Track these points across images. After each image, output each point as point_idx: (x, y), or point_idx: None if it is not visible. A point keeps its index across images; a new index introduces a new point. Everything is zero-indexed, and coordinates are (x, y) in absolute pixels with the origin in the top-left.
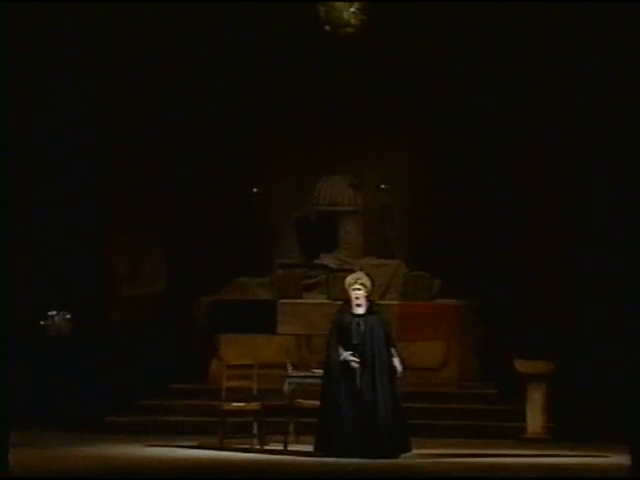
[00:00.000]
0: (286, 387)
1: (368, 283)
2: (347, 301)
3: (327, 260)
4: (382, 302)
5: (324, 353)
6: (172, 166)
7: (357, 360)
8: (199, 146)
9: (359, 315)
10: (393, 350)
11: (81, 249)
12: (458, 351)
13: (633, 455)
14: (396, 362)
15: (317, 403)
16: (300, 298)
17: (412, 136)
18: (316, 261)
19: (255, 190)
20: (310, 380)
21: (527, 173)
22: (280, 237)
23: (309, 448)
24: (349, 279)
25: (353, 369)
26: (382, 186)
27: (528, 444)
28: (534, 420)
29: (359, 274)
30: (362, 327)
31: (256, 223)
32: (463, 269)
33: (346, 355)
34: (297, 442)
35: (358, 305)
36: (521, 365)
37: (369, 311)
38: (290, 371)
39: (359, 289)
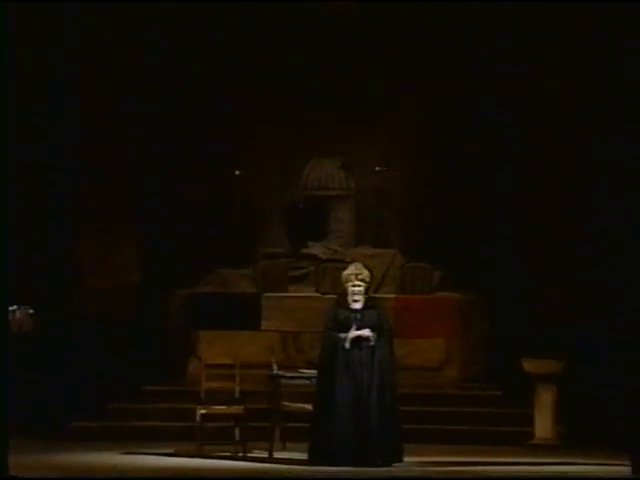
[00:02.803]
0: (271, 388)
1: (368, 278)
2: (342, 294)
3: (316, 250)
4: (377, 296)
5: (317, 352)
6: (146, 148)
7: (368, 332)
8: (175, 125)
9: (356, 310)
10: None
11: (45, 237)
12: (460, 349)
13: (633, 457)
14: (372, 334)
15: (305, 406)
16: (286, 291)
17: (410, 114)
18: (304, 251)
19: (237, 173)
20: (298, 381)
21: (535, 154)
22: (265, 224)
23: (296, 455)
24: (347, 273)
25: (352, 368)
26: (377, 168)
27: (536, 451)
28: (543, 424)
29: (358, 267)
30: (357, 324)
31: (238, 209)
32: (466, 259)
33: (352, 333)
34: (283, 449)
35: (356, 301)
36: (529, 364)
37: (366, 306)
38: (275, 371)
39: (359, 285)
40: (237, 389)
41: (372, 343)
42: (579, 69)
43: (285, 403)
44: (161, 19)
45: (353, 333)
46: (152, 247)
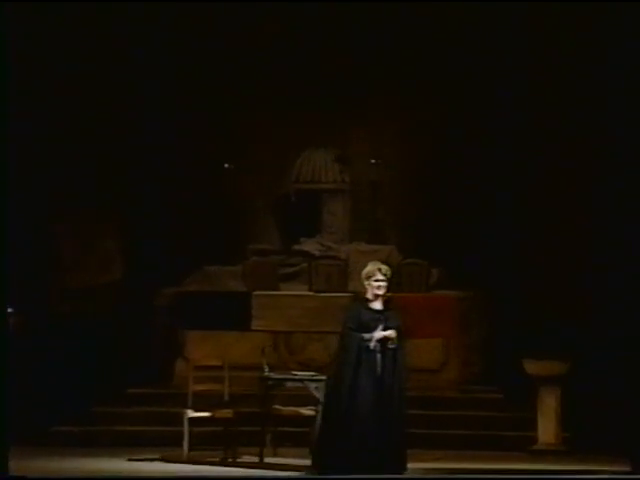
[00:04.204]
0: (261, 391)
1: (389, 273)
2: (357, 294)
3: (309, 246)
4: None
5: (335, 352)
6: (129, 137)
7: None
8: (162, 114)
9: (379, 311)
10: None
11: (23, 232)
12: (459, 350)
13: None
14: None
15: (297, 410)
16: (277, 289)
17: (407, 104)
18: (296, 247)
19: (226, 166)
20: (289, 384)
21: (536, 152)
22: (254, 219)
23: (287, 461)
24: (370, 269)
25: (374, 371)
26: (372, 161)
27: (540, 456)
28: (546, 429)
29: (378, 263)
30: (383, 325)
31: (227, 203)
32: (465, 256)
33: (379, 333)
34: (274, 454)
35: (377, 295)
36: (531, 366)
37: (387, 307)
38: (266, 373)
39: (383, 280)
40: (226, 392)
41: (394, 346)
42: (579, 64)
43: (276, 406)
44: (155, 12)
45: (380, 333)
46: (136, 243)
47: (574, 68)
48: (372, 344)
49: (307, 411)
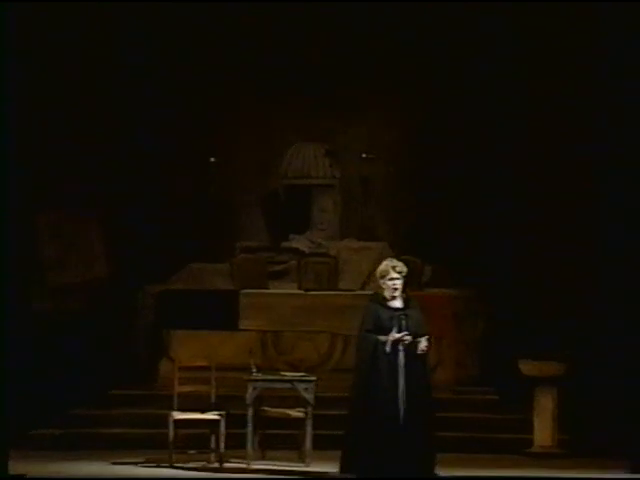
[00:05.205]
0: (249, 393)
1: (405, 270)
2: (375, 294)
3: (298, 243)
4: (362, 292)
5: (354, 355)
6: (112, 130)
7: (409, 335)
8: (145, 107)
9: (399, 309)
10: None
11: (5, 229)
12: (453, 350)
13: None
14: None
15: (286, 411)
16: (266, 288)
17: (400, 96)
18: (285, 244)
19: (212, 160)
20: (278, 385)
21: (535, 146)
22: (242, 215)
23: (276, 465)
24: (384, 268)
25: (395, 371)
26: (363, 155)
27: (536, 460)
28: (542, 431)
29: (393, 261)
30: (404, 323)
31: (213, 199)
32: (459, 253)
33: (393, 335)
34: (262, 458)
35: (395, 297)
36: (527, 367)
37: (407, 305)
38: (254, 374)
39: (397, 278)
40: (213, 393)
41: (423, 352)
42: (575, 57)
43: (265, 408)
44: (141, 10)
45: (394, 335)
46: (120, 240)
47: (576, 67)
48: (388, 348)
49: (296, 413)
